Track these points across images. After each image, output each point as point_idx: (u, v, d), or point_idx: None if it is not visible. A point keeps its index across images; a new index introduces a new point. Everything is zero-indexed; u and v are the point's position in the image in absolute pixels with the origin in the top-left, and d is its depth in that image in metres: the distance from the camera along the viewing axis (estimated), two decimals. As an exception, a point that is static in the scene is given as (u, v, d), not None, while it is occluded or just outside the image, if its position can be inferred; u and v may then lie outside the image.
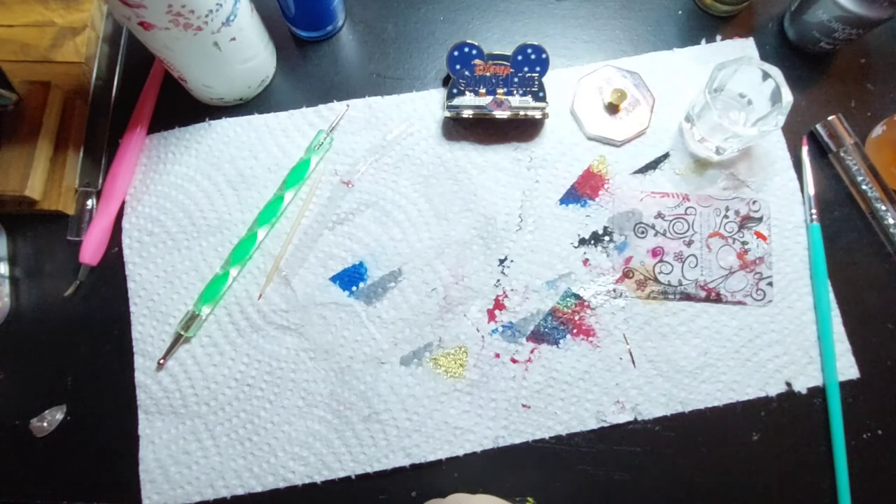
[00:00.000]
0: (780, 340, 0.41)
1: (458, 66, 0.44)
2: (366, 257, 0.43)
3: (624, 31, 0.48)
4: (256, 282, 0.43)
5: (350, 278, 0.43)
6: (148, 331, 0.42)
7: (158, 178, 0.45)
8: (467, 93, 0.44)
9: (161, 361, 0.41)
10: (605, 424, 0.40)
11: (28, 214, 0.44)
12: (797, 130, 0.45)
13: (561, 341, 0.41)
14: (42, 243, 0.45)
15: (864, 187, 0.43)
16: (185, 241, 0.44)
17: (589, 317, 0.42)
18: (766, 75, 0.40)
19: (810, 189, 0.43)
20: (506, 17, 0.49)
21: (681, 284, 0.42)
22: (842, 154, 0.44)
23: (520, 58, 0.43)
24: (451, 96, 0.44)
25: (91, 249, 0.43)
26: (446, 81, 0.46)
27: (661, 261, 0.42)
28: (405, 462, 0.40)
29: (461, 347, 0.41)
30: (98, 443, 0.41)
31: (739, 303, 0.42)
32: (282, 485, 0.40)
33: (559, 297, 0.42)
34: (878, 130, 0.44)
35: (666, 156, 0.45)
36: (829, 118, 0.44)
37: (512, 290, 0.42)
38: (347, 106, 0.46)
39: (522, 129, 0.45)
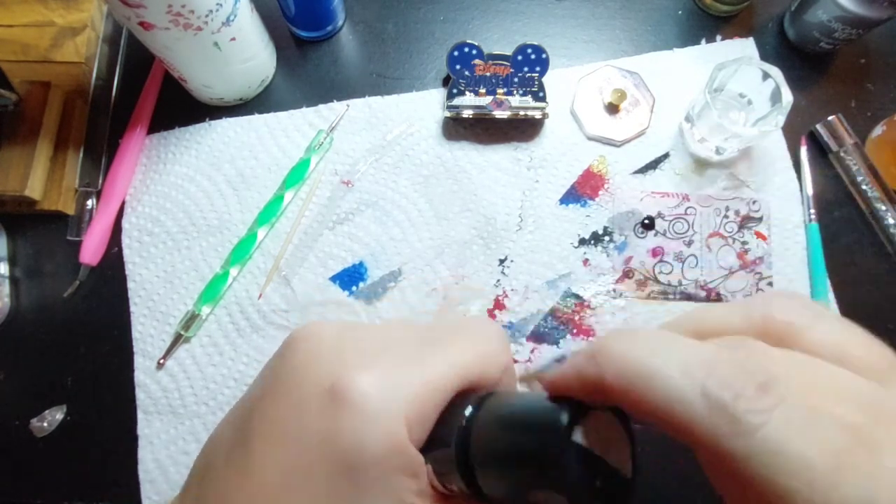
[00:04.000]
0: (780, 340, 0.41)
1: (458, 66, 0.44)
2: (366, 257, 0.43)
3: (624, 31, 0.48)
4: (256, 282, 0.43)
5: (350, 278, 0.43)
6: (148, 331, 0.42)
7: (158, 178, 0.45)
8: (467, 93, 0.44)
9: (161, 361, 0.41)
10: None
11: (28, 214, 0.44)
12: (797, 130, 0.45)
13: (561, 341, 0.41)
14: (42, 243, 0.45)
15: (864, 187, 0.43)
16: (185, 241, 0.44)
17: (589, 317, 0.42)
18: (766, 75, 0.40)
19: (808, 189, 0.43)
20: (506, 17, 0.49)
21: (681, 284, 0.42)
22: (842, 154, 0.44)
23: (520, 58, 0.43)
24: (451, 96, 0.44)
25: (91, 249, 0.43)
26: (446, 81, 0.46)
27: (661, 261, 0.42)
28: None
29: (461, 347, 0.41)
30: (98, 443, 0.41)
31: (739, 303, 0.42)
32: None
33: (559, 297, 0.42)
34: (878, 130, 0.44)
35: (666, 156, 0.45)
36: (829, 118, 0.44)
37: (512, 290, 0.42)
38: (347, 106, 0.46)
39: (522, 129, 0.45)
